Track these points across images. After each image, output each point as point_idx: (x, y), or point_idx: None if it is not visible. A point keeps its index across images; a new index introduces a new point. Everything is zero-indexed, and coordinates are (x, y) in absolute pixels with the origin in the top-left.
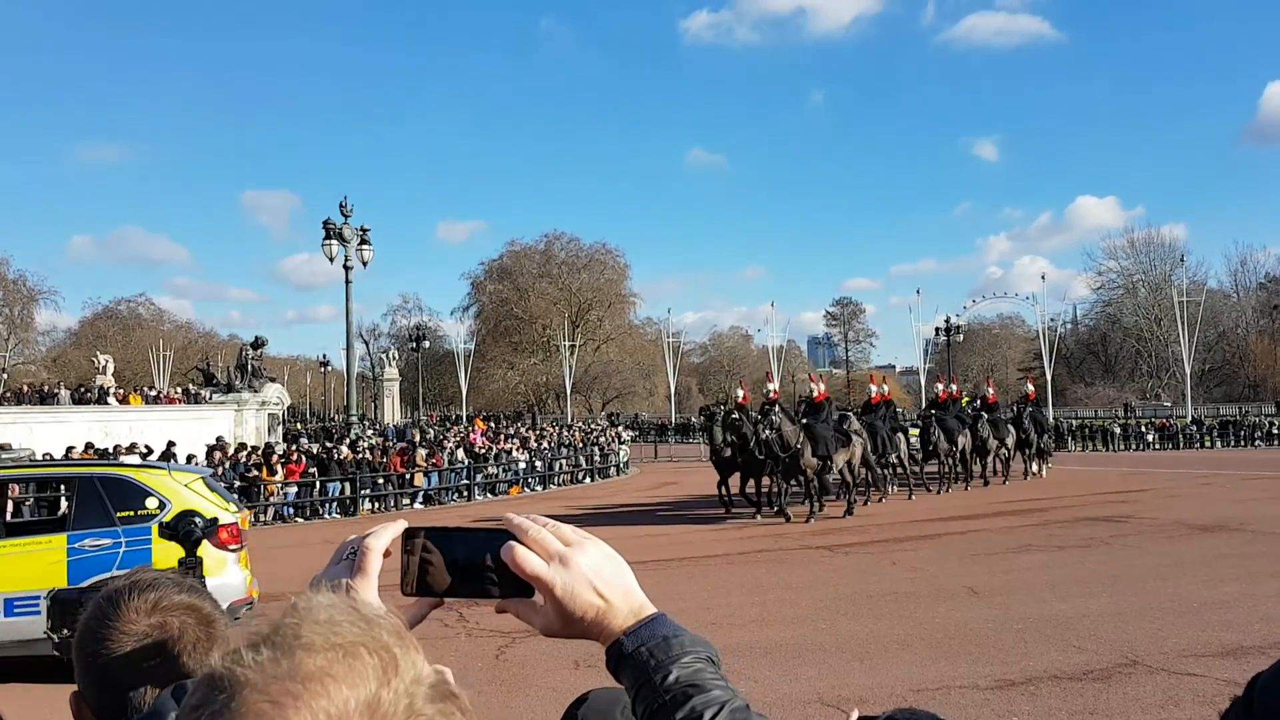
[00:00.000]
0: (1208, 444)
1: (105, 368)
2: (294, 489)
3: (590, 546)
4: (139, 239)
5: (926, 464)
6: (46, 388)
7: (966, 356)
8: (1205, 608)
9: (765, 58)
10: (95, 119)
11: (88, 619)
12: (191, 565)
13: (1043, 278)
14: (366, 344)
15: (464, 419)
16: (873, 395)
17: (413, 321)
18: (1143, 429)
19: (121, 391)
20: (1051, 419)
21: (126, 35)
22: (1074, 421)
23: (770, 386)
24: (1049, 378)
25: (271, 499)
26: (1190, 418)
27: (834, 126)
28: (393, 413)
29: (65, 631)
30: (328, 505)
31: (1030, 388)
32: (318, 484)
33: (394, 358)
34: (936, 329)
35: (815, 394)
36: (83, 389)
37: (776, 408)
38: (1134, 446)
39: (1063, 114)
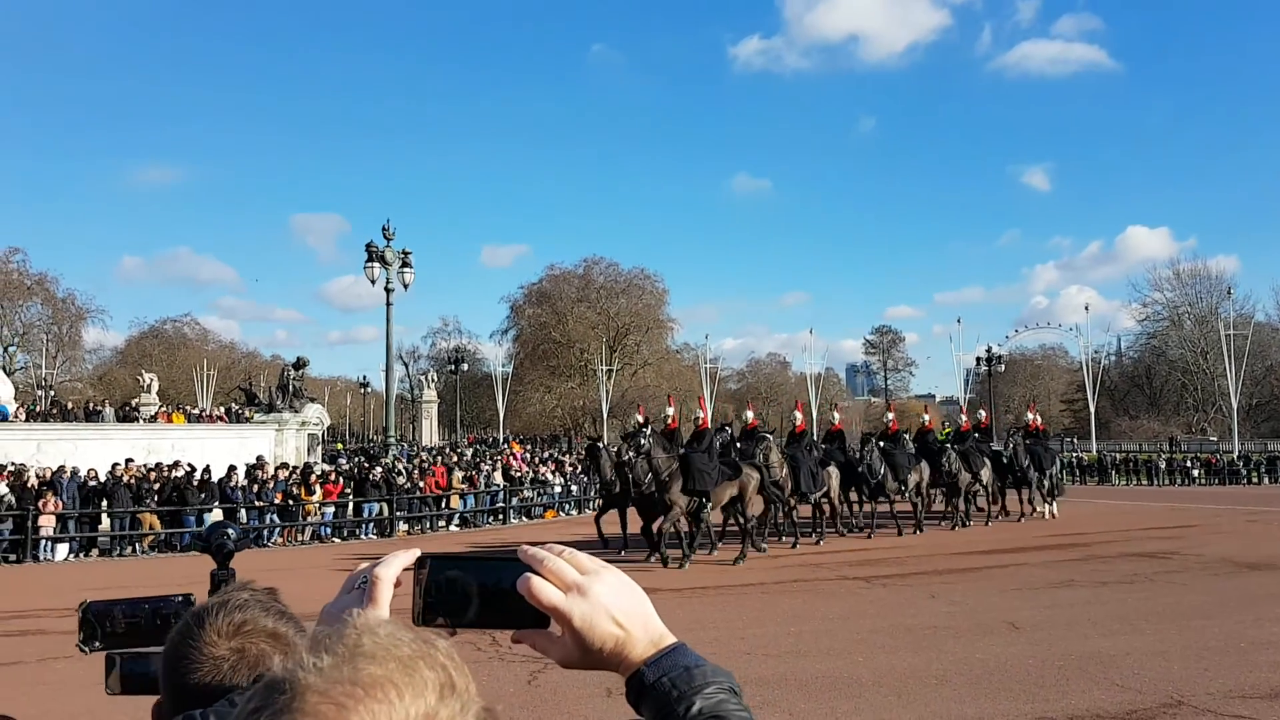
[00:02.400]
0: (1254, 480)
1: (150, 386)
2: (331, 509)
3: (608, 575)
4: (188, 259)
5: (877, 502)
6: (92, 405)
7: (1008, 387)
8: (1253, 648)
9: (815, 84)
10: (148, 142)
11: (175, 634)
12: (223, 578)
13: (1086, 308)
14: (406, 366)
15: (501, 441)
16: (797, 423)
17: (452, 344)
18: (1188, 464)
19: (165, 410)
20: (1094, 452)
21: (179, 60)
22: (1118, 455)
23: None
24: (1092, 410)
25: (310, 518)
26: (1237, 453)
27: (882, 153)
28: (431, 434)
29: (97, 644)
30: (365, 526)
31: (1032, 416)
32: (353, 504)
33: (433, 380)
34: (978, 359)
35: (669, 420)
36: (127, 406)
37: (647, 431)
38: (1179, 481)
39: (1116, 143)
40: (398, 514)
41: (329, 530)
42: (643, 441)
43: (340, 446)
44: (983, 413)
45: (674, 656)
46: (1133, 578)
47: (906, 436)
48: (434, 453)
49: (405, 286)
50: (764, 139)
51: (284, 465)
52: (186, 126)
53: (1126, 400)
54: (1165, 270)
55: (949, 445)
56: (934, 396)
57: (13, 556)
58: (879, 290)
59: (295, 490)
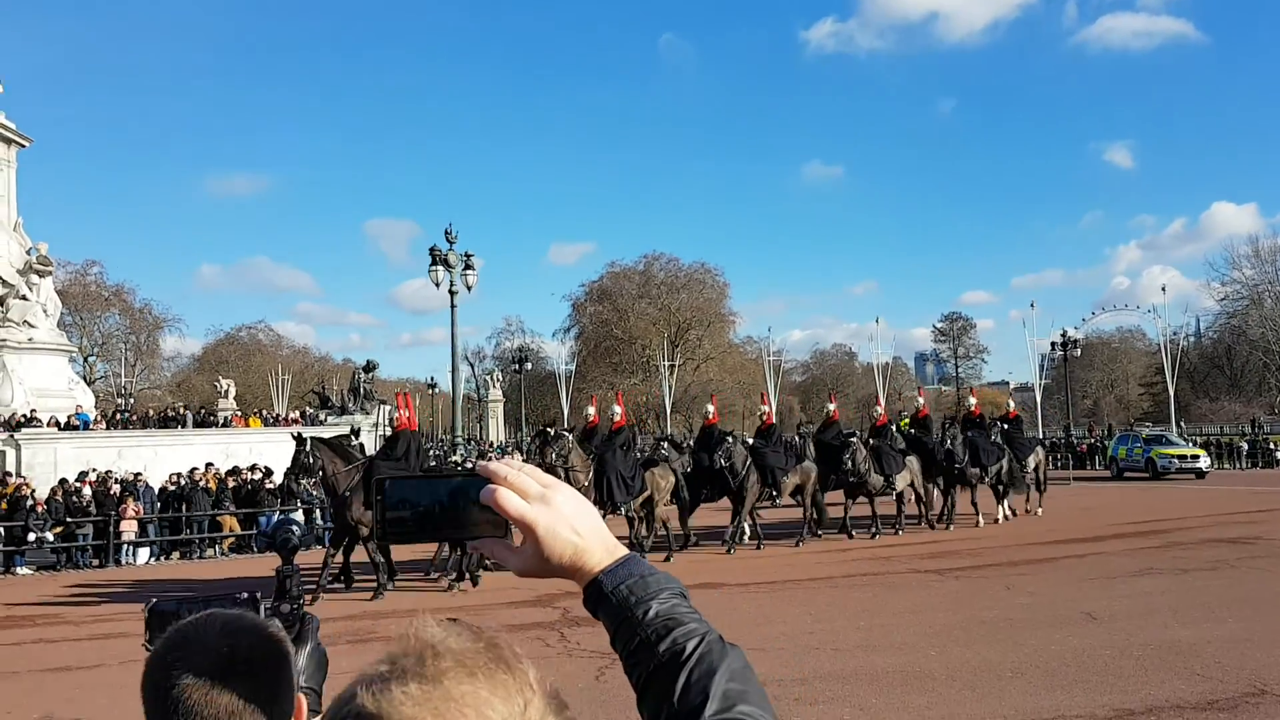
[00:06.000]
0: None
1: (227, 392)
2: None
3: (564, 488)
4: (265, 267)
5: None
6: (169, 412)
7: (1085, 371)
8: None
9: (892, 66)
10: (225, 153)
11: (156, 649)
12: (288, 574)
13: (1163, 289)
14: (472, 366)
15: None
16: (616, 418)
17: (516, 343)
18: (1272, 446)
19: (240, 414)
20: (1175, 434)
21: (256, 71)
22: (1198, 438)
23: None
24: (1171, 393)
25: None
26: None
27: (961, 135)
28: (497, 433)
29: None
30: None
31: (973, 401)
32: None
33: (498, 379)
34: (1053, 344)
35: (398, 420)
36: (203, 411)
37: (307, 445)
38: (1262, 464)
39: (1203, 117)
40: None
41: None
42: (310, 462)
43: None
44: (880, 408)
45: (629, 565)
46: (1215, 564)
47: (799, 433)
48: (501, 450)
49: (469, 289)
50: (837, 125)
51: None
52: (263, 137)
53: (1207, 382)
54: (1244, 247)
55: (851, 441)
56: (1008, 384)
57: (96, 561)
58: (953, 276)
59: None
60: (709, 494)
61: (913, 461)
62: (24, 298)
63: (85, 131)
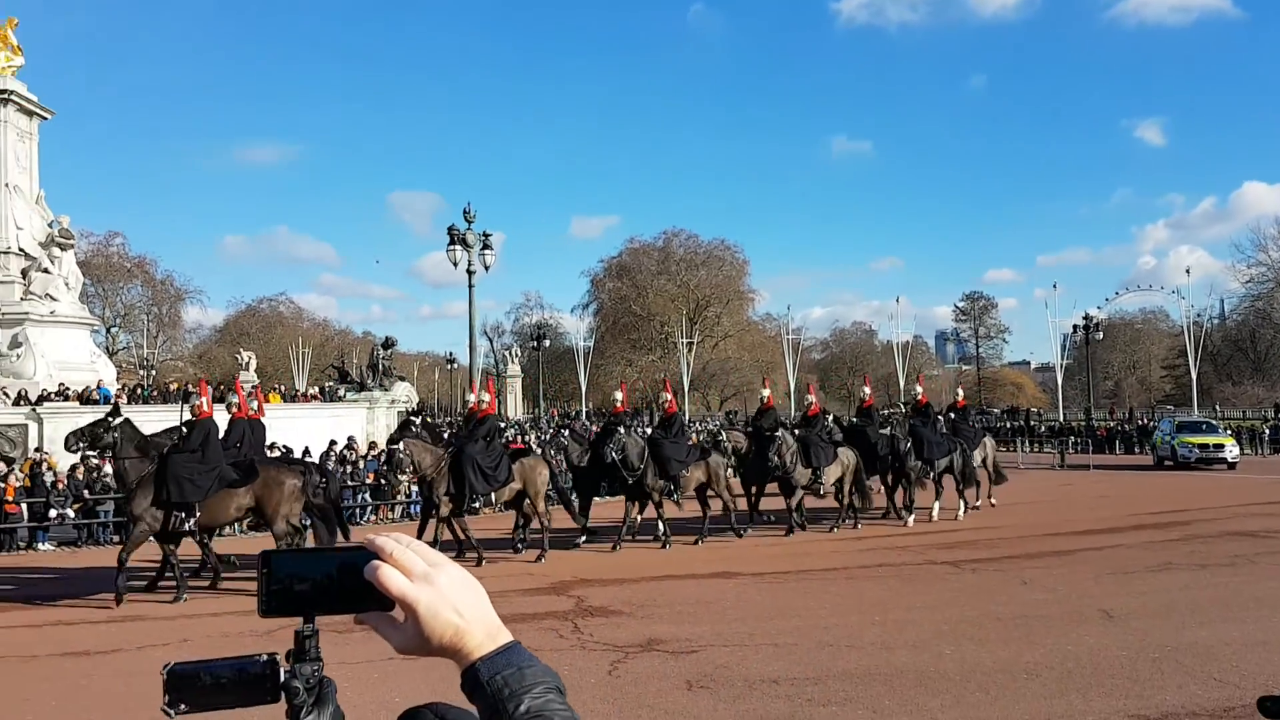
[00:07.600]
0: None
1: (249, 364)
2: (417, 487)
3: (451, 568)
4: (287, 238)
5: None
6: (189, 386)
7: (1106, 352)
8: None
9: (923, 39)
10: (251, 123)
11: None
12: (308, 635)
13: (1187, 271)
14: (491, 341)
15: (583, 415)
16: (485, 405)
17: (535, 319)
18: None
19: (259, 388)
20: (1214, 419)
21: (280, 41)
22: (1220, 422)
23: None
24: (1194, 376)
25: (399, 497)
26: None
27: (991, 110)
28: (516, 409)
29: (183, 706)
30: None
31: (920, 390)
32: None
33: (516, 354)
34: (1075, 325)
35: (235, 407)
36: (221, 386)
37: (114, 422)
38: None
39: (1237, 94)
40: None
41: (418, 508)
42: (105, 436)
43: (429, 420)
44: (812, 396)
45: (508, 655)
46: (1234, 559)
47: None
48: (519, 427)
49: (486, 268)
50: (866, 98)
51: (374, 445)
52: (289, 108)
53: (1230, 365)
54: (1272, 229)
55: (773, 431)
56: (1029, 364)
57: (116, 538)
58: (978, 253)
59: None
60: (608, 488)
61: (846, 454)
62: (46, 271)
63: (109, 102)
